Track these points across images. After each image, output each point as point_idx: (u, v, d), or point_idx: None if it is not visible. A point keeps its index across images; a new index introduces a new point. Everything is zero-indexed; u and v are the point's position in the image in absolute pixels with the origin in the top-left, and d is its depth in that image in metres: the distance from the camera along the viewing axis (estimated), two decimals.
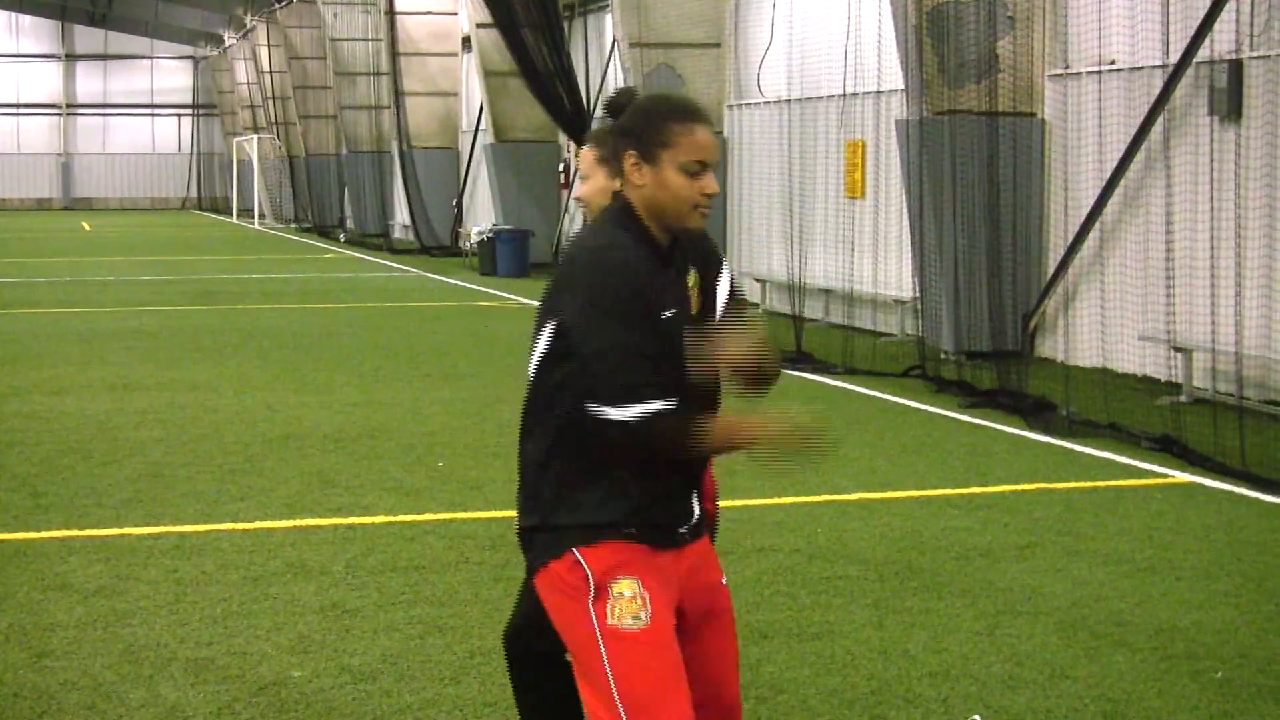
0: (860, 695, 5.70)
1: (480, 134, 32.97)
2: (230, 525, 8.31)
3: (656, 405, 3.39)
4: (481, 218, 32.69)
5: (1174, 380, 13.02)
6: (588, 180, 4.31)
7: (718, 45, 22.99)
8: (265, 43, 48.78)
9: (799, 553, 7.76)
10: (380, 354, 16.07)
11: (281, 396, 12.97)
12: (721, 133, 22.53)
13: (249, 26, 52.01)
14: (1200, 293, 13.06)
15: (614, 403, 3.38)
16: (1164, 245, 13.26)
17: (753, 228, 21.88)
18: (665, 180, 3.48)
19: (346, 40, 39.75)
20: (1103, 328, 14.41)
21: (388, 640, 6.31)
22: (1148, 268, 13.92)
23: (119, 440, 10.82)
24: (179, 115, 69.18)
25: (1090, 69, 14.89)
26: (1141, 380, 13.87)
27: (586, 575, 3.48)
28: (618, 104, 3.61)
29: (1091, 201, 14.52)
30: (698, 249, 3.65)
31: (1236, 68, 12.80)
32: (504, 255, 27.78)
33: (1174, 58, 13.41)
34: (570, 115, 25.20)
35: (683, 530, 3.60)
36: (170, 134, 69.45)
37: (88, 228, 49.01)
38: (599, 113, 23.35)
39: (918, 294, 15.93)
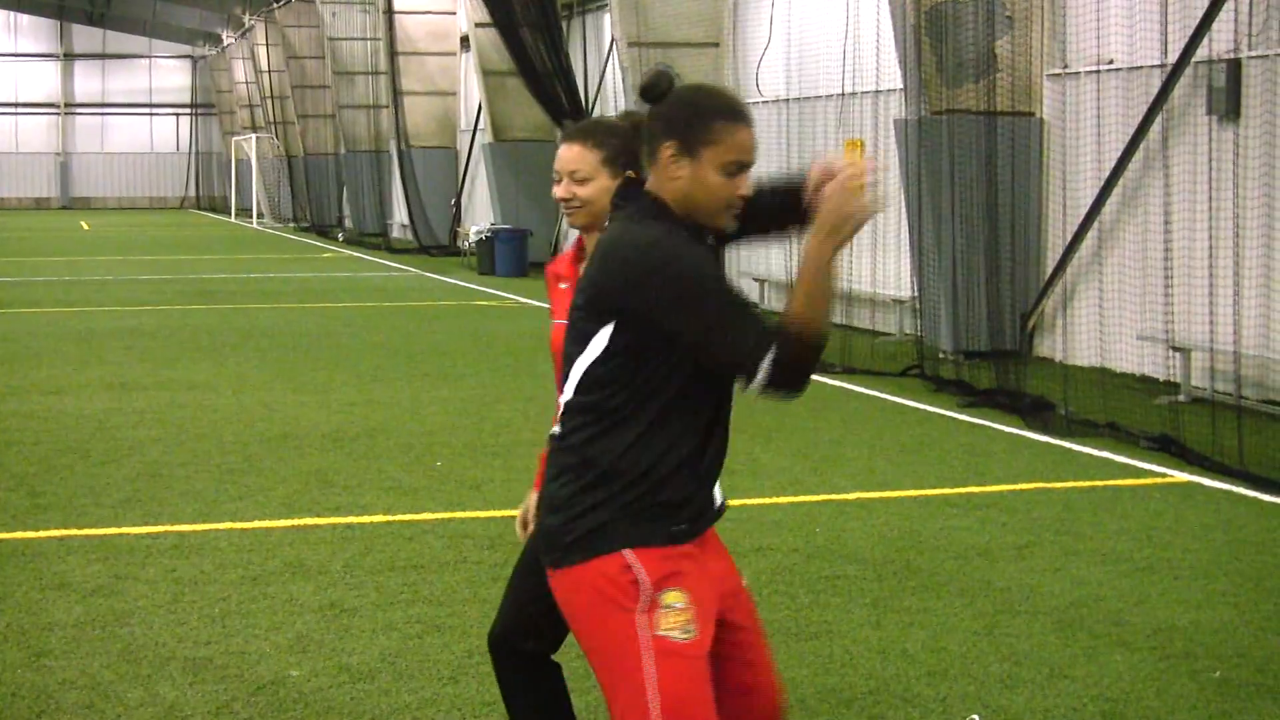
0: (859, 695, 5.70)
1: (479, 133, 32.97)
2: (228, 525, 8.31)
3: (773, 338, 3.24)
4: (480, 217, 32.69)
5: (1172, 380, 13.02)
6: (591, 182, 4.10)
7: (716, 45, 22.98)
8: (264, 42, 48.76)
9: (797, 552, 7.76)
10: (378, 353, 16.07)
11: (280, 396, 12.96)
12: None
13: (247, 26, 51.99)
14: (1198, 292, 13.06)
15: (755, 359, 3.23)
16: (1162, 245, 13.26)
17: None
18: (704, 178, 3.39)
19: (345, 39, 39.74)
20: (1101, 327, 14.41)
21: (386, 639, 6.31)
22: (1146, 267, 13.92)
23: (117, 440, 10.81)
24: (177, 115, 69.17)
25: (1089, 68, 14.89)
26: (1140, 380, 13.87)
27: (638, 580, 3.35)
28: (657, 89, 3.44)
29: (1090, 201, 14.52)
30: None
31: (1235, 67, 12.81)
32: (502, 255, 27.78)
33: (1172, 57, 13.41)
34: (569, 114, 25.19)
35: (712, 514, 3.56)
36: (169, 133, 69.43)
37: (86, 227, 48.99)
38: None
39: (916, 293, 15.93)
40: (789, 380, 3.28)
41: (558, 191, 4.15)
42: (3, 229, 46.17)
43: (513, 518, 4.50)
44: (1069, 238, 14.87)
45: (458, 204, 35.36)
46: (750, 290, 20.62)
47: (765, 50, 21.48)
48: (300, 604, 6.81)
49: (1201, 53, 13.08)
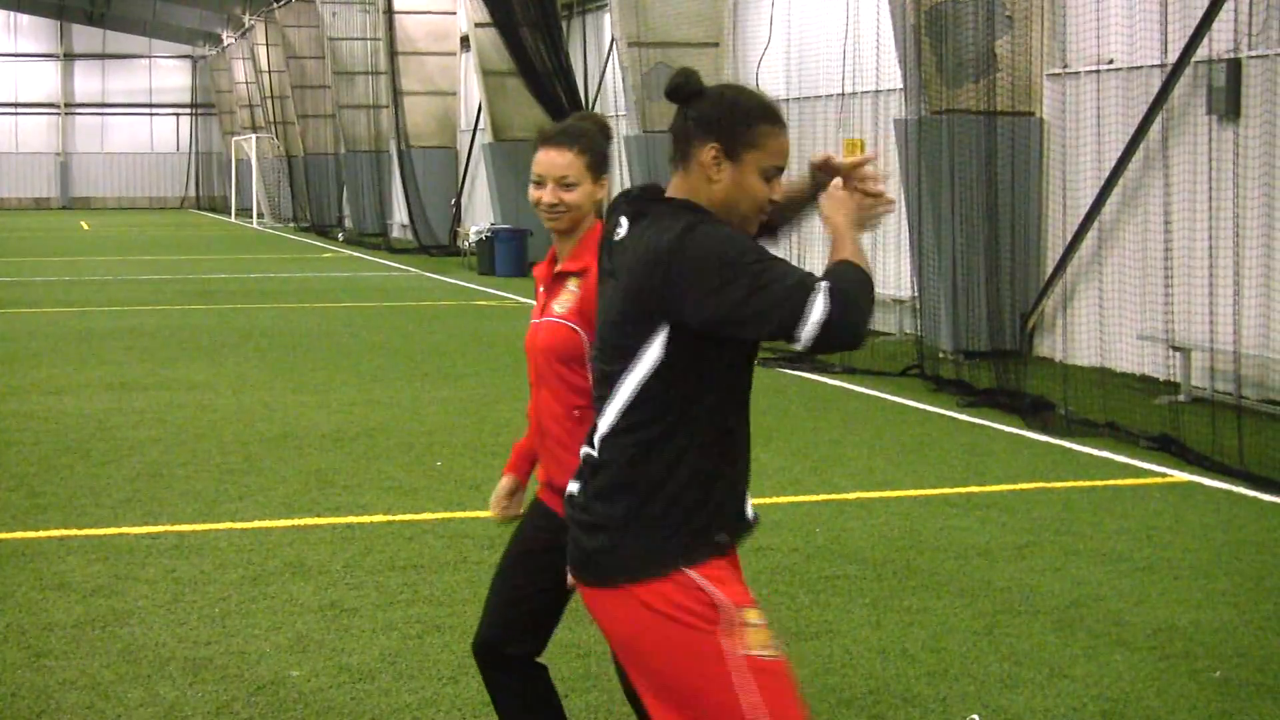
0: (859, 694, 5.70)
1: (479, 133, 32.97)
2: (228, 525, 8.31)
3: (822, 286, 3.14)
4: (480, 217, 32.69)
5: (1172, 379, 13.02)
6: (577, 188, 4.03)
7: (716, 44, 22.99)
8: (263, 42, 48.78)
9: (797, 552, 7.76)
10: (378, 353, 16.07)
11: (280, 396, 12.96)
12: None
13: (247, 26, 52.01)
14: (1198, 292, 13.06)
15: (801, 318, 3.12)
16: (1162, 244, 13.26)
17: None
18: (745, 182, 3.34)
19: (345, 39, 39.76)
20: (1101, 327, 14.41)
21: (386, 639, 6.31)
22: (1146, 267, 13.92)
23: (117, 440, 10.81)
24: (177, 115, 69.19)
25: (1088, 68, 14.89)
26: (1140, 379, 13.87)
27: (713, 602, 3.25)
28: (687, 88, 3.35)
29: (1090, 201, 14.52)
30: None
31: (1235, 67, 12.80)
32: (502, 255, 27.78)
33: (1172, 57, 13.41)
34: (569, 114, 25.20)
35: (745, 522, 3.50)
36: (169, 133, 69.45)
37: (86, 227, 49.00)
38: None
39: (916, 293, 15.93)
40: (854, 336, 3.17)
41: (544, 196, 4.04)
42: (3, 229, 46.17)
43: (513, 518, 4.50)
44: (1069, 238, 14.87)
45: (458, 204, 35.36)
46: None
47: (765, 50, 21.47)
48: (300, 604, 6.81)
49: (1201, 52, 13.08)
